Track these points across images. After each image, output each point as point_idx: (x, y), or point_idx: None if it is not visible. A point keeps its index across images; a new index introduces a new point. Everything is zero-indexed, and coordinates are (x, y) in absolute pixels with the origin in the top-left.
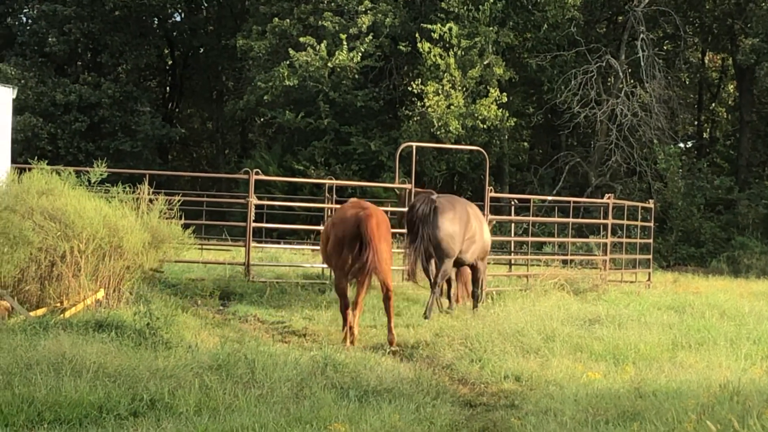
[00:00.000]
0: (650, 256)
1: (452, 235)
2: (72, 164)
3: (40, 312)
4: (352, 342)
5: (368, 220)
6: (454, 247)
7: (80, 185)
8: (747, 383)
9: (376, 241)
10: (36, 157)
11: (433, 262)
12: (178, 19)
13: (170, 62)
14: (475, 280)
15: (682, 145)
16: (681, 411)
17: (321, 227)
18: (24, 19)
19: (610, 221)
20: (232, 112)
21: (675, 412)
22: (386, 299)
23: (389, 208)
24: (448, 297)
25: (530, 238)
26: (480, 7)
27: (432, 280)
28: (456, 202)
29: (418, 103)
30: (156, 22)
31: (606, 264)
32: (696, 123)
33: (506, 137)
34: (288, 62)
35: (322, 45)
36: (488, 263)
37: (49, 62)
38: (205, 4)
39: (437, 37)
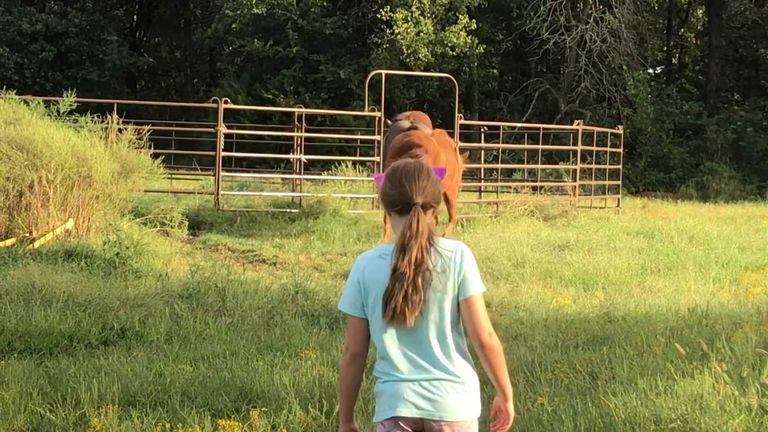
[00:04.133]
0: (619, 182)
1: None
2: (39, 94)
3: (8, 242)
4: None
5: None
6: None
7: (49, 115)
8: (715, 306)
9: None
10: (3, 87)
11: None
12: None
13: None
14: None
15: (651, 70)
16: (650, 334)
17: (290, 156)
18: None
19: (579, 147)
20: (200, 41)
21: (644, 335)
22: None
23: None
24: None
25: (500, 165)
26: None
27: None
28: None
29: (387, 31)
30: None
31: (575, 190)
32: (665, 48)
33: (475, 64)
34: None
35: None
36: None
37: None
38: None
39: None
